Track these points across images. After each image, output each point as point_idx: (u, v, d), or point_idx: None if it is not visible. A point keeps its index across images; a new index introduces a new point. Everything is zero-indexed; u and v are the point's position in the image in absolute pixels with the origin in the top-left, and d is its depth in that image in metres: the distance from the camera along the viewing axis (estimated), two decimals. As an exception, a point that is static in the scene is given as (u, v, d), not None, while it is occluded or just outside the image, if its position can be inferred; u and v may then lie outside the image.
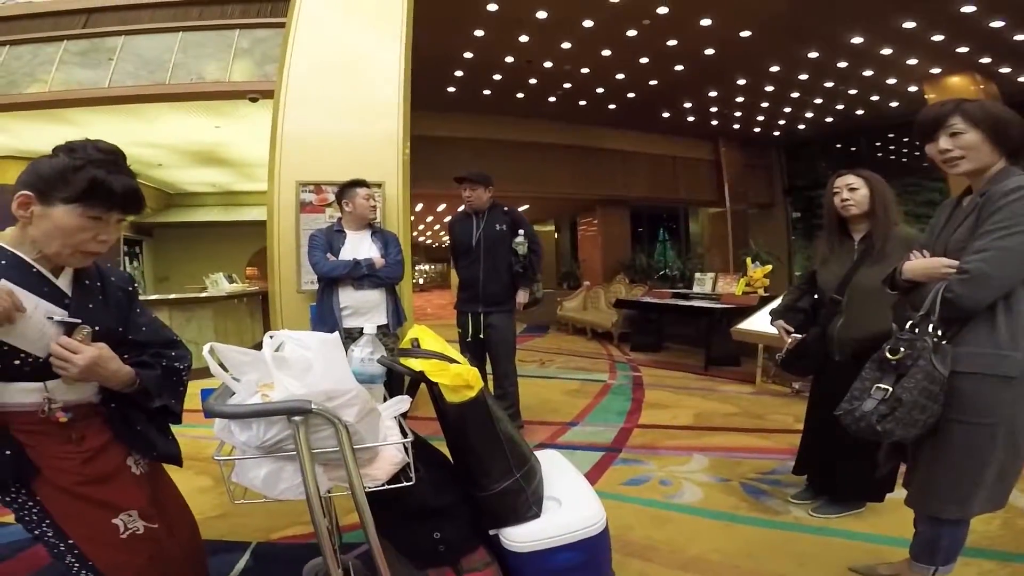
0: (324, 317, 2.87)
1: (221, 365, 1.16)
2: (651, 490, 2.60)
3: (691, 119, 10.24)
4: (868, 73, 7.93)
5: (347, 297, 2.87)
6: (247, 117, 5.67)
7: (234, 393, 1.19)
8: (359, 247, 2.93)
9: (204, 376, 1.28)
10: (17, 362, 1.04)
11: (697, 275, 6.78)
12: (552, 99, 9.04)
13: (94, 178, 1.06)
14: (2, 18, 5.20)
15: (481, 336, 3.38)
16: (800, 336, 2.29)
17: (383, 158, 3.93)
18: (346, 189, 2.96)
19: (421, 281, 31.75)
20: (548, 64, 7.66)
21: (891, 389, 1.40)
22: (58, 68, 5.01)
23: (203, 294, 6.27)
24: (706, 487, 2.62)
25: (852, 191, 2.12)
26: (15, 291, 1.01)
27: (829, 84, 8.46)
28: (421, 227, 22.82)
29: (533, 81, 8.27)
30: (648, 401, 4.33)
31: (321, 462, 1.13)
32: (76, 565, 1.07)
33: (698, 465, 2.90)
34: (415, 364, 1.33)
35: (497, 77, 8.10)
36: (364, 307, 2.88)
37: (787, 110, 9.82)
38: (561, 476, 1.63)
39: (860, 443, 1.57)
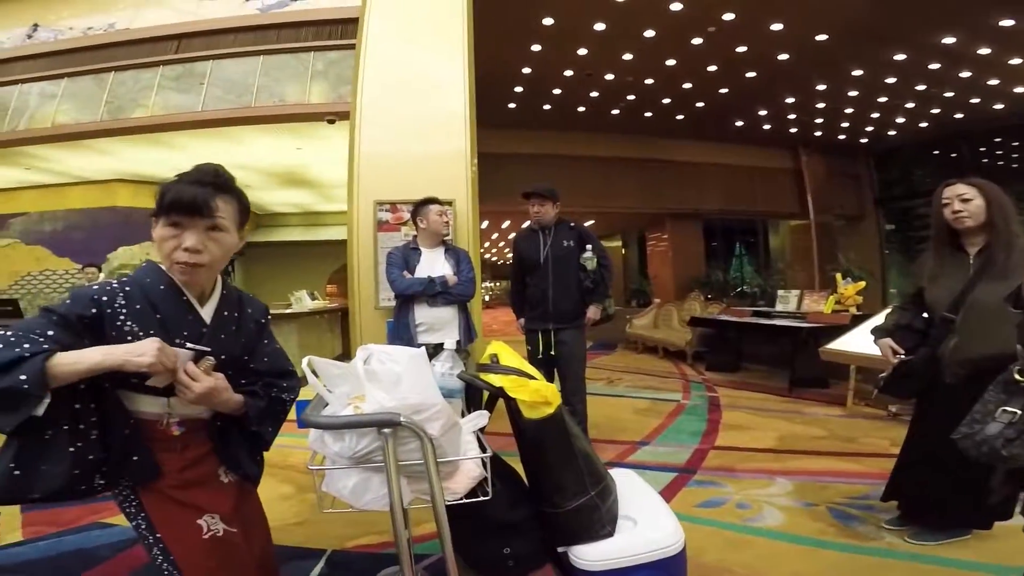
0: (400, 333, 2.96)
1: (316, 375, 1.23)
2: (728, 513, 2.49)
3: (767, 127, 9.81)
4: (965, 74, 7.33)
5: (422, 314, 2.95)
6: (326, 139, 5.93)
7: (327, 404, 1.26)
8: (434, 264, 3.02)
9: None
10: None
11: (780, 292, 6.45)
12: (615, 111, 8.93)
13: (164, 190, 1.17)
14: (106, 45, 5.58)
15: (552, 353, 3.37)
16: (907, 357, 2.13)
17: (453, 175, 4.02)
18: (420, 207, 3.05)
19: (487, 298, 32.00)
20: (609, 76, 7.57)
21: (1020, 412, 1.29)
22: (157, 93, 5.32)
23: (287, 310, 6.66)
24: (789, 511, 2.47)
25: (965, 202, 1.97)
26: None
27: (921, 87, 7.87)
28: (487, 244, 23.17)
29: (594, 94, 8.20)
30: (726, 422, 4.15)
31: (405, 474, 1.17)
32: (160, 557, 1.19)
33: (780, 489, 2.74)
34: (495, 379, 1.35)
35: (557, 91, 8.09)
36: (438, 324, 2.96)
37: (875, 115, 9.20)
38: (636, 495, 1.60)
39: (970, 468, 1.45)
